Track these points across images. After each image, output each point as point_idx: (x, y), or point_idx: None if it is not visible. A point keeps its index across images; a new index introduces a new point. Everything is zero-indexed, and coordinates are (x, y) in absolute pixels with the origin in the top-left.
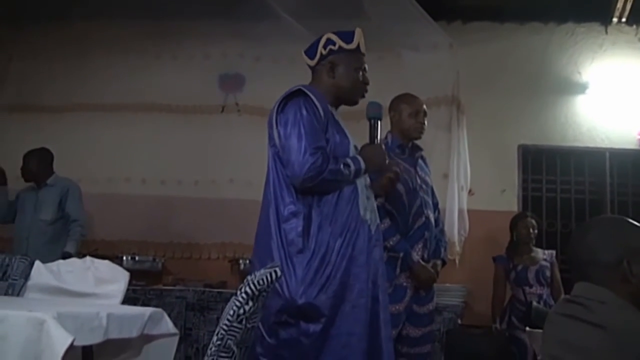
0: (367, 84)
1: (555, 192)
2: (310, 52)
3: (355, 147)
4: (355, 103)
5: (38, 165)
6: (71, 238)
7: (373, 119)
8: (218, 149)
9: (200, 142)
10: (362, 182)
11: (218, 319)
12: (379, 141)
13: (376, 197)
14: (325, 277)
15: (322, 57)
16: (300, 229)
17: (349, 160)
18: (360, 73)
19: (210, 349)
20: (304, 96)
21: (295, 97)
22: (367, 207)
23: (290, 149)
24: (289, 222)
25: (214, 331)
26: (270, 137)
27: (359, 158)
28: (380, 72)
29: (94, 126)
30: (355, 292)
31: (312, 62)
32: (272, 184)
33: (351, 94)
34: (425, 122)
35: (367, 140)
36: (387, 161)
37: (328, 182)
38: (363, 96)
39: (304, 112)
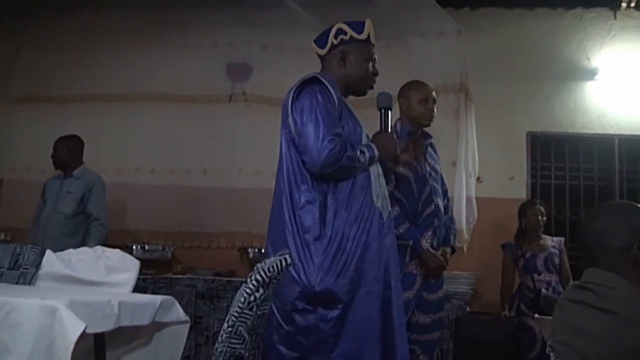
0: (377, 74)
1: (564, 179)
2: (321, 41)
3: (367, 136)
4: (364, 94)
5: (68, 153)
6: (92, 238)
7: (383, 108)
8: (226, 138)
9: (208, 131)
10: (375, 169)
11: (228, 307)
12: (389, 131)
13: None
14: (341, 263)
15: (333, 46)
16: (316, 216)
17: (364, 148)
18: (370, 64)
19: (221, 335)
20: (319, 83)
21: (310, 84)
22: (380, 194)
23: (307, 136)
24: (305, 209)
25: (224, 319)
26: (285, 124)
27: (372, 146)
28: (388, 60)
29: (102, 116)
30: (370, 279)
31: (322, 52)
32: (285, 171)
33: (361, 84)
34: (435, 110)
35: (375, 128)
36: (398, 150)
37: (345, 169)
38: (371, 87)
39: (320, 98)
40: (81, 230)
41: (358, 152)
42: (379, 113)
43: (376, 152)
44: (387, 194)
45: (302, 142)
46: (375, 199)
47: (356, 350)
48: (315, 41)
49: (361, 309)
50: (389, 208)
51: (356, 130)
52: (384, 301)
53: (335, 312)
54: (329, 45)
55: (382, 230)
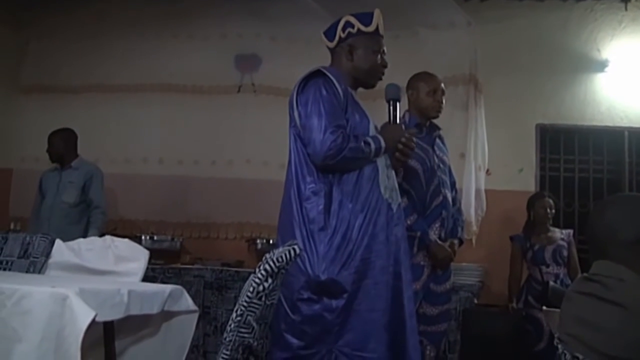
0: (386, 66)
1: (573, 171)
2: (329, 34)
3: (376, 127)
4: (373, 86)
5: (64, 146)
6: (94, 225)
7: (392, 100)
8: (234, 129)
9: (216, 122)
10: (383, 161)
11: (236, 297)
12: (398, 122)
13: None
14: (347, 254)
15: (341, 39)
16: (321, 207)
17: (369, 139)
18: (379, 56)
19: (230, 325)
20: (323, 76)
21: (314, 77)
22: (388, 185)
23: (310, 128)
24: (310, 201)
25: (232, 309)
26: (291, 118)
27: (379, 137)
28: (397, 51)
29: (111, 106)
30: (377, 269)
31: (331, 45)
32: (293, 164)
33: (369, 76)
34: (444, 101)
35: (384, 119)
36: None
37: (348, 160)
38: (380, 79)
39: (324, 91)
40: (84, 218)
41: (362, 144)
42: (387, 105)
43: (383, 144)
44: (396, 185)
45: (306, 135)
46: (383, 190)
47: (362, 341)
48: (324, 34)
49: (368, 299)
50: (399, 199)
51: (363, 122)
52: (395, 292)
53: (341, 302)
54: (337, 38)
55: (391, 222)
